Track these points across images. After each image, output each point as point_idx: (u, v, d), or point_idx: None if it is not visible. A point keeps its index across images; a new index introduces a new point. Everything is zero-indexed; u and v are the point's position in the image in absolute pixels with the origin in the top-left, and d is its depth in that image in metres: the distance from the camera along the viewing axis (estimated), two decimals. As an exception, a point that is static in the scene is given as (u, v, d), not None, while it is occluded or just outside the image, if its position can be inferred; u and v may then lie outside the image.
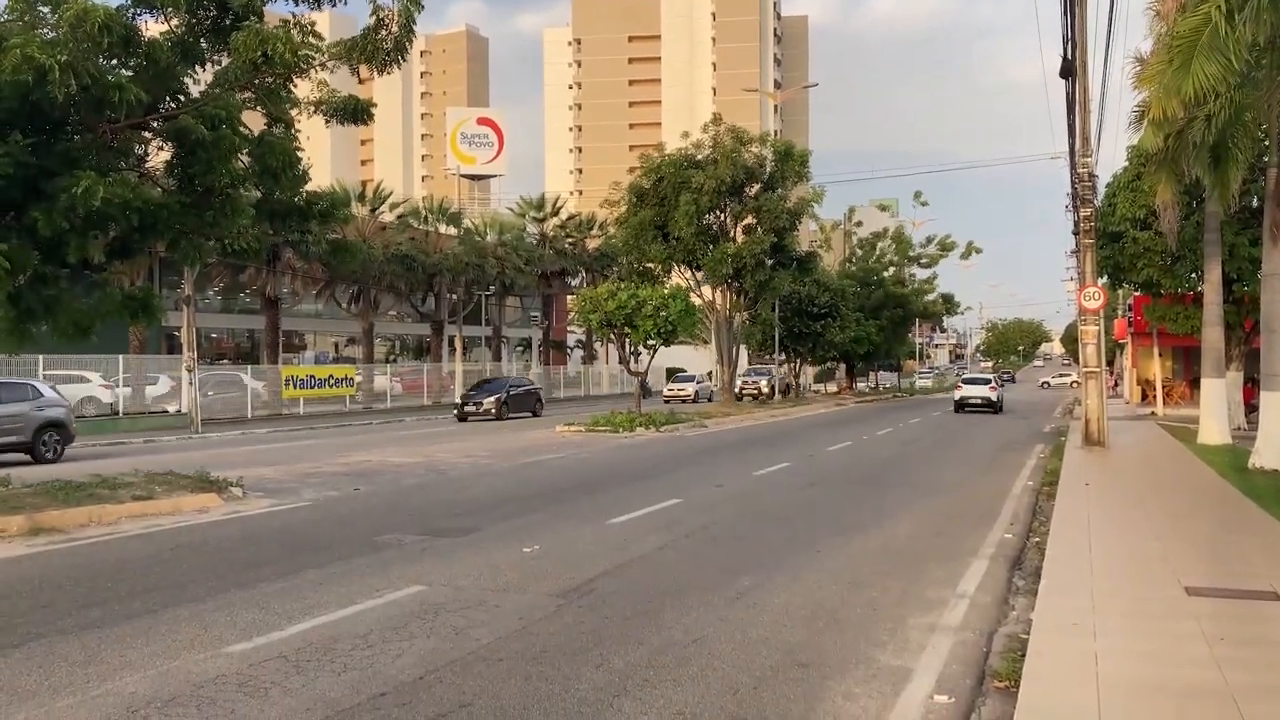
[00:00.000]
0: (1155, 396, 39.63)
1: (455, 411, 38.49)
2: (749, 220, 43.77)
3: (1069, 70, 23.15)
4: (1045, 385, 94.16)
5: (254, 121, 13.03)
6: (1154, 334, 38.73)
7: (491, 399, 38.07)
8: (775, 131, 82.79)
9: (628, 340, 34.90)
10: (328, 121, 13.85)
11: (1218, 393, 22.98)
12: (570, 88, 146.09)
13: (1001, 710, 5.86)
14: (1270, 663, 6.47)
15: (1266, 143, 19.97)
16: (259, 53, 11.16)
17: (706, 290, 45.44)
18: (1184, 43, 13.72)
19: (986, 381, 47.88)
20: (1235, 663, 6.34)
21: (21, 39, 10.05)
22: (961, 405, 44.13)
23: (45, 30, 11.03)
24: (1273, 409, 17.52)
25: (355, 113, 13.70)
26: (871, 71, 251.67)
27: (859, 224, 74.82)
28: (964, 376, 56.81)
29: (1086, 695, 5.75)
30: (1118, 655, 6.51)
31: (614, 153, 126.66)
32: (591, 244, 60.12)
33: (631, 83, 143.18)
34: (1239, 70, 13.76)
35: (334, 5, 12.51)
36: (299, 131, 13.58)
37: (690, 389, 54.37)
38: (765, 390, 55.11)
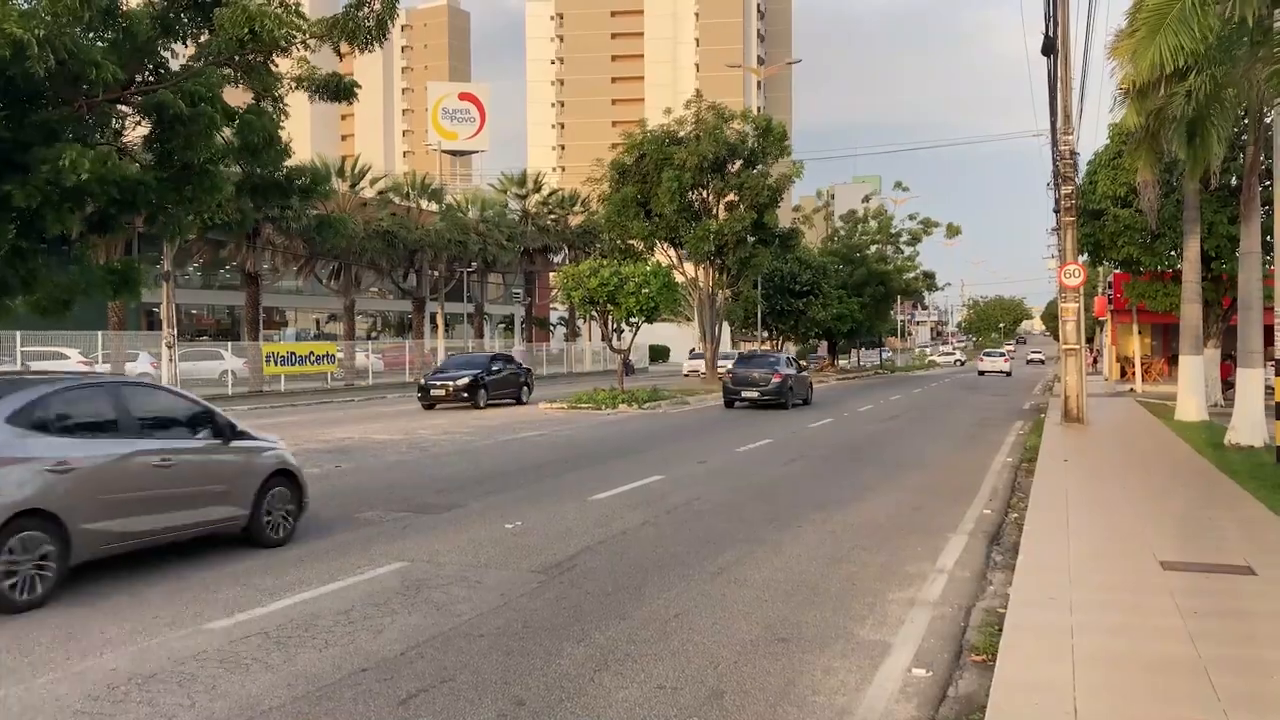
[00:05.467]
0: (1134, 373, 39.89)
1: (419, 396, 31.21)
2: (731, 197, 43.71)
3: (1050, 48, 23.19)
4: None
5: (236, 99, 12.90)
6: (1133, 311, 38.95)
7: (467, 378, 30.52)
8: (758, 108, 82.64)
9: (610, 317, 34.83)
10: (311, 98, 13.72)
11: (1195, 369, 23.16)
12: (553, 63, 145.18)
13: (978, 683, 5.93)
14: (1241, 635, 6.56)
15: (1247, 120, 20.07)
16: (246, 29, 11.05)
17: (689, 267, 45.40)
18: (1150, 15, 13.72)
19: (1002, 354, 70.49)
20: (1208, 636, 6.43)
21: None
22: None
23: (21, 1, 10.86)
24: (1249, 386, 17.68)
25: (338, 90, 13.57)
26: (855, 47, 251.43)
27: (832, 197, 75.07)
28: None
29: (1062, 668, 5.82)
30: (1093, 629, 6.59)
31: (597, 129, 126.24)
32: (574, 221, 59.92)
33: (614, 58, 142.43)
34: (1198, 50, 13.72)
35: None
36: (287, 106, 13.44)
37: None
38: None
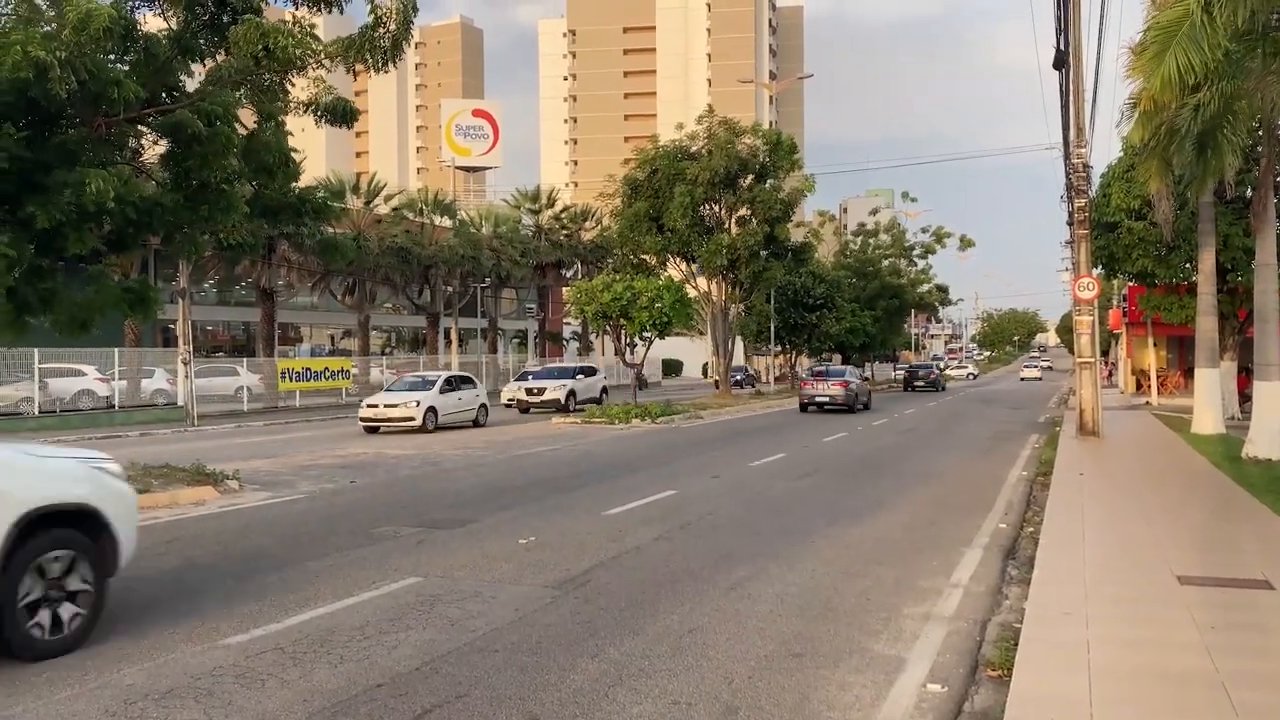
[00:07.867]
0: (1150, 386, 39.67)
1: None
2: (743, 212, 43.76)
3: (1062, 61, 23.17)
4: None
5: (247, 120, 13.04)
6: (1148, 324, 38.76)
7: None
8: (771, 122, 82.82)
9: (623, 332, 34.89)
10: (318, 122, 13.87)
11: (1211, 382, 23.03)
12: (565, 79, 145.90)
13: (994, 698, 5.91)
14: (1260, 649, 6.53)
15: (1261, 132, 20.00)
16: (260, 46, 11.17)
17: (702, 281, 45.44)
18: (1161, 33, 13.69)
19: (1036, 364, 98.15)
20: (1226, 650, 6.39)
21: (22, 35, 10.02)
22: None
23: (43, 24, 11.01)
24: (1266, 398, 17.57)
25: (344, 115, 13.72)
26: (868, 61, 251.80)
27: (844, 210, 75.55)
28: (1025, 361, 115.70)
29: (1078, 683, 5.80)
30: (1109, 643, 6.56)
31: (609, 144, 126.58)
32: (587, 236, 60.02)
33: (627, 74, 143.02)
34: (1212, 66, 13.68)
35: (330, 10, 12.58)
36: (298, 139, 13.63)
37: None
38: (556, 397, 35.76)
